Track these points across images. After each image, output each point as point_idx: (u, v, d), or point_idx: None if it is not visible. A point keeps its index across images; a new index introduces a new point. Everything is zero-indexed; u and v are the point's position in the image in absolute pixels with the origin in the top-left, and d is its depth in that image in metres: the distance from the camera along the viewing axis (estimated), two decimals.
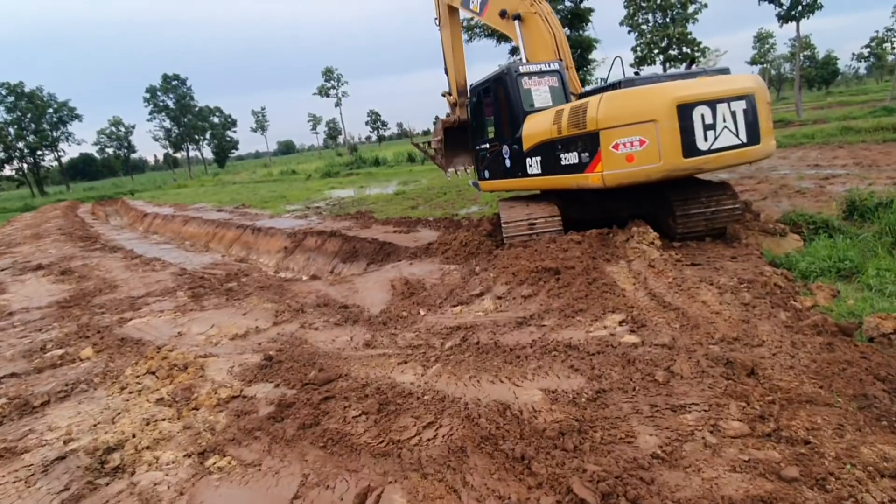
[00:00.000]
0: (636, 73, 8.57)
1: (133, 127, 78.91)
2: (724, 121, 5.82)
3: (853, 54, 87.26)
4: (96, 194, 48.35)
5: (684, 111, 5.66)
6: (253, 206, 22.34)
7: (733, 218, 6.72)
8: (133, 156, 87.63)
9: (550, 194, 7.61)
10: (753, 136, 6.03)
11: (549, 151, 6.91)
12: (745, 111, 5.92)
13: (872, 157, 12.71)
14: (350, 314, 5.76)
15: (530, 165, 7.38)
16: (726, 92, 5.87)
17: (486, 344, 4.20)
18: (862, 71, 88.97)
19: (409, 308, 5.64)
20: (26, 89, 60.64)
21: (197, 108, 73.54)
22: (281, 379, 3.91)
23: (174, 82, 70.43)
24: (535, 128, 7.13)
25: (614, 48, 67.60)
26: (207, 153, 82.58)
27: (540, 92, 7.55)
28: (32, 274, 10.92)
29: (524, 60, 8.28)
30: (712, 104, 5.75)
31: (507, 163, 8.04)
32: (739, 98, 5.90)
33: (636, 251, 6.20)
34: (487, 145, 8.76)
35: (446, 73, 10.32)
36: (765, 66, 60.04)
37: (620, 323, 4.23)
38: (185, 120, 71.87)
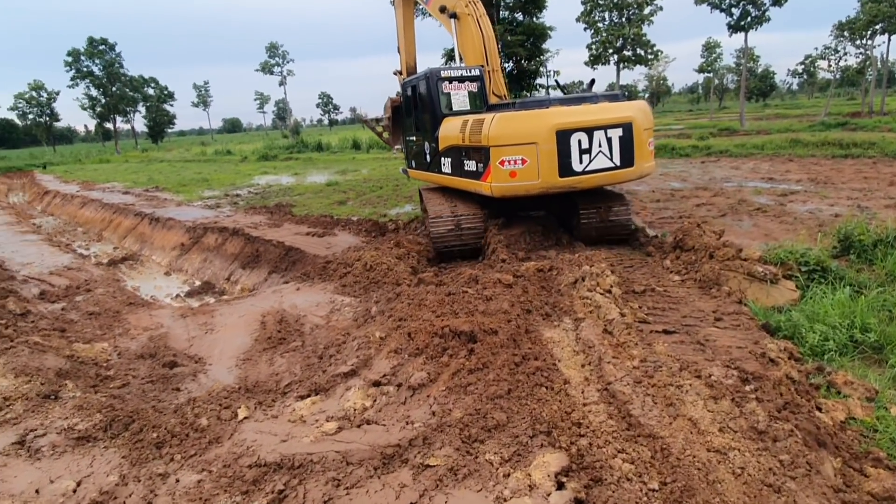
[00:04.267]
0: (560, 86, 9.67)
1: (57, 93, 71.13)
2: (600, 146, 6.29)
3: (788, 70, 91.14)
4: (6, 165, 42.28)
5: (563, 136, 6.12)
6: (167, 189, 19.78)
7: (624, 223, 7.13)
8: (59, 125, 79.36)
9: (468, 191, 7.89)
10: (627, 160, 6.47)
11: (456, 155, 7.23)
12: (620, 137, 6.35)
13: (825, 174, 12.04)
14: (142, 402, 3.58)
15: (443, 164, 7.72)
16: (604, 120, 6.29)
17: None
18: (794, 87, 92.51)
19: (230, 400, 3.55)
20: None
21: (128, 77, 66.95)
22: None
23: (101, 47, 63.60)
24: (449, 131, 7.40)
25: (570, 44, 66.86)
26: (141, 126, 75.70)
27: (459, 96, 7.87)
28: None
29: (456, 57, 8.72)
30: (589, 131, 6.21)
31: (427, 158, 8.34)
32: (616, 126, 6.32)
33: (587, 303, 4.40)
34: (414, 138, 8.98)
35: (399, 52, 10.46)
36: (710, 75, 60.63)
37: (558, 477, 2.37)
38: (114, 89, 65.29)
